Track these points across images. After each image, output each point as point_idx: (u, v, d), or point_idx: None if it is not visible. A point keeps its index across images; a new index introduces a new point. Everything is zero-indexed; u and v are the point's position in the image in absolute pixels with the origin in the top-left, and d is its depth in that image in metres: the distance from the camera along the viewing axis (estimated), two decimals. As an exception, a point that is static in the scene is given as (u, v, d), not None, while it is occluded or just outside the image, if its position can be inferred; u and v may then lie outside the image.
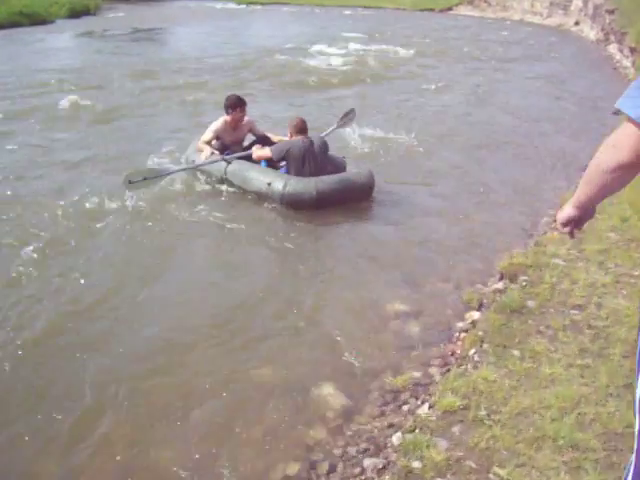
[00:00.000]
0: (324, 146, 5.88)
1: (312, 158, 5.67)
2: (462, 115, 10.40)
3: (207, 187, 6.19)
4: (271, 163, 5.90)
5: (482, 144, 8.55)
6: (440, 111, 10.63)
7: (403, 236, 5.43)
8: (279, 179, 5.56)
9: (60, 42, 23.85)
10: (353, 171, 5.97)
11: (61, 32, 27.86)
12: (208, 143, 6.30)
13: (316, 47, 19.50)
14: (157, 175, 5.88)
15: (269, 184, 5.55)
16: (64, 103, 10.31)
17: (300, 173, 5.63)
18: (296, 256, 5.00)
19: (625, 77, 14.66)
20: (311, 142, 5.74)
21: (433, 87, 12.95)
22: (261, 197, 5.72)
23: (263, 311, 4.06)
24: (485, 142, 8.67)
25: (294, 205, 5.49)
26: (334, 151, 6.31)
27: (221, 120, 6.37)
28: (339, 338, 3.73)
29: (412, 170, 7.10)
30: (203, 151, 6.21)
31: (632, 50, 15.07)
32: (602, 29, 22.75)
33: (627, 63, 15.98)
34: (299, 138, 5.75)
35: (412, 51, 19.04)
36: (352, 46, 20.65)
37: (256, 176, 5.74)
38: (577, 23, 29.92)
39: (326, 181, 5.53)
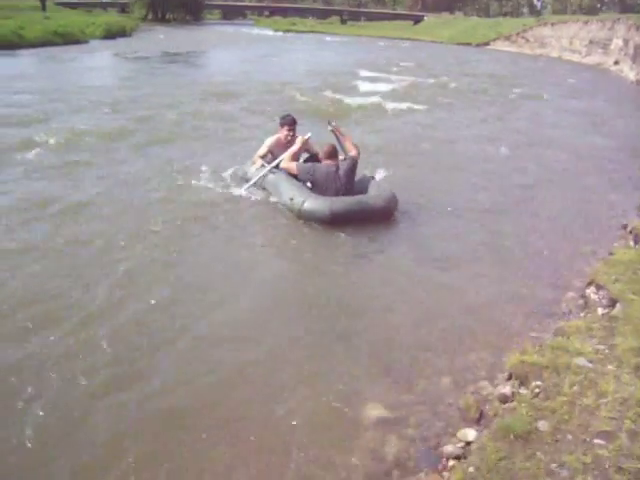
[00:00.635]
0: (350, 170, 6.26)
1: (336, 181, 6.13)
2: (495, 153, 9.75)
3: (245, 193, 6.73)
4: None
5: (513, 186, 7.89)
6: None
7: (403, 298, 4.74)
8: (300, 196, 5.94)
9: (89, 62, 23.71)
10: (373, 193, 6.19)
11: (91, 52, 27.79)
12: (262, 157, 6.87)
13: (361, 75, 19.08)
14: (257, 178, 6.65)
15: (291, 199, 5.99)
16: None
17: (323, 193, 6.04)
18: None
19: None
20: (337, 167, 6.19)
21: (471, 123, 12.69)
22: (289, 209, 6.11)
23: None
24: (516, 185, 7.97)
25: (311, 220, 5.88)
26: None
27: (274, 136, 6.93)
28: (298, 452, 2.94)
29: (443, 205, 7.00)
30: (256, 163, 6.87)
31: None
32: (643, 69, 21.82)
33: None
34: (327, 163, 6.24)
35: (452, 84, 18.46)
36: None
37: (284, 189, 6.18)
38: (617, 62, 28.97)
39: (342, 201, 5.88)
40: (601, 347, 3.47)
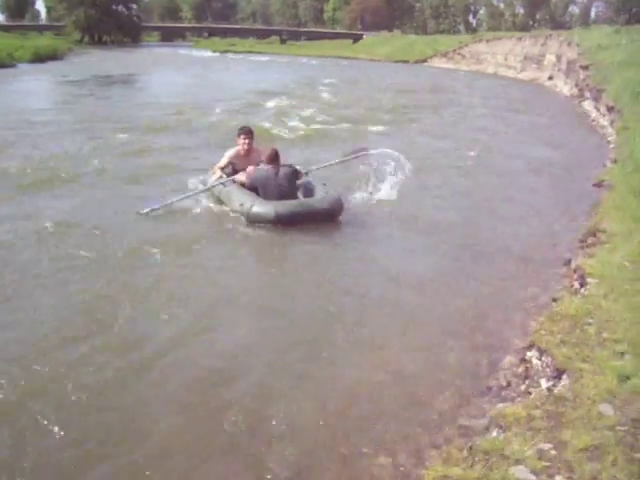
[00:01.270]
0: (290, 174, 6.62)
1: (276, 184, 6.47)
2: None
3: (208, 206, 6.96)
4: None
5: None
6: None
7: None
8: (249, 201, 6.31)
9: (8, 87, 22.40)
10: (317, 197, 6.59)
11: (15, 76, 26.40)
12: (222, 169, 7.12)
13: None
14: (164, 204, 6.71)
15: (241, 205, 6.37)
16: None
17: (267, 197, 6.42)
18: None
19: (603, 137, 13.46)
20: (276, 171, 6.54)
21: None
22: (241, 215, 6.41)
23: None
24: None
25: (258, 223, 6.26)
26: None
27: (234, 148, 7.22)
28: None
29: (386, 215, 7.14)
30: (215, 174, 7.11)
31: (609, 109, 13.93)
32: (576, 84, 21.87)
33: (604, 122, 14.83)
34: (267, 167, 6.59)
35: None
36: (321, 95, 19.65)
37: (235, 197, 6.54)
38: (551, 78, 29.27)
39: (287, 204, 6.28)
40: (546, 447, 2.71)
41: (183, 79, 28.51)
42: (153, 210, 6.57)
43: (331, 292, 5.06)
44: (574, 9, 70.18)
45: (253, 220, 6.29)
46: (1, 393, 3.39)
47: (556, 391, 3.19)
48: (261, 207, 6.25)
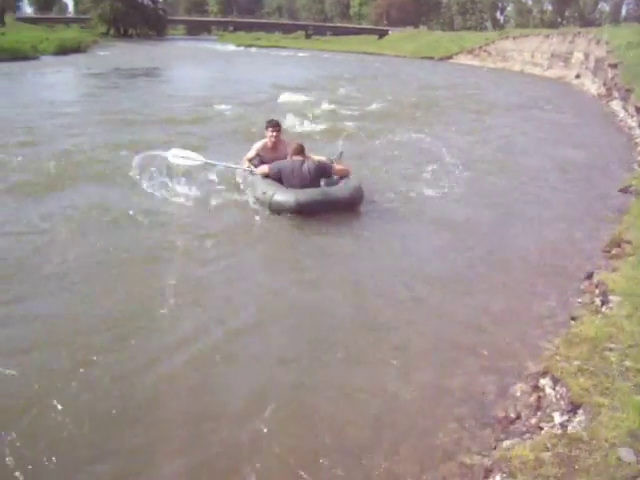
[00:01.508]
0: (314, 167, 6.67)
1: (301, 175, 6.58)
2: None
3: (232, 192, 7.20)
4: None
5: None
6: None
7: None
8: (271, 190, 6.41)
9: (25, 79, 22.44)
10: (338, 185, 6.66)
11: (36, 68, 26.49)
12: (250, 160, 7.25)
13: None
14: (197, 160, 7.21)
15: (264, 193, 6.45)
16: None
17: (291, 186, 6.50)
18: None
19: (631, 139, 12.92)
20: (302, 163, 6.66)
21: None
22: (262, 203, 6.50)
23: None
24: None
25: (280, 211, 6.30)
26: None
27: (262, 141, 7.40)
28: None
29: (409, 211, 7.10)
30: (244, 164, 7.26)
31: (638, 109, 13.37)
32: (604, 84, 21.21)
33: (632, 123, 14.28)
34: (293, 159, 6.75)
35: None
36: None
37: (259, 186, 6.63)
38: (578, 76, 28.51)
39: (308, 192, 6.34)
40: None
41: (204, 73, 28.43)
42: (185, 157, 7.17)
43: (331, 295, 4.86)
44: (604, 6, 68.67)
45: (275, 208, 6.33)
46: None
47: (570, 429, 2.84)
48: (283, 195, 6.31)
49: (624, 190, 7.86)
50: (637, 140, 12.16)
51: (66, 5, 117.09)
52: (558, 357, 3.45)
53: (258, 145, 7.38)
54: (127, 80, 23.46)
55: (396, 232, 6.42)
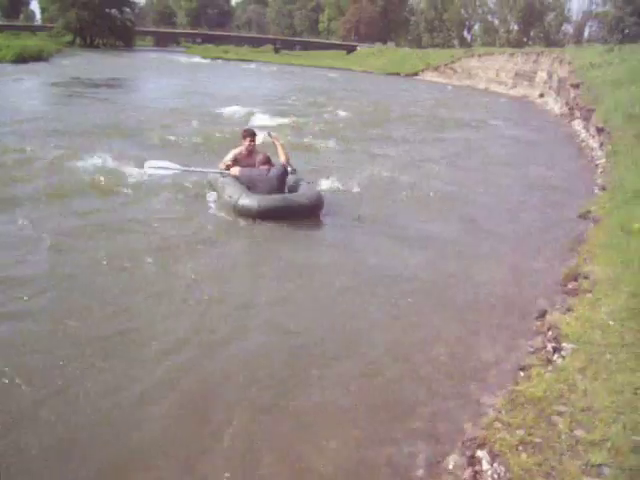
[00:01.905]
0: (280, 175, 7.13)
1: (267, 183, 7.01)
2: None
3: (203, 192, 7.54)
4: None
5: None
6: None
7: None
8: (236, 194, 6.74)
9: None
10: (298, 192, 7.02)
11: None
12: (227, 165, 7.56)
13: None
14: (171, 168, 7.75)
15: (230, 197, 6.79)
16: None
17: (259, 192, 6.84)
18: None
19: (592, 160, 12.68)
20: (268, 171, 7.12)
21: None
22: (228, 206, 6.84)
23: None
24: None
25: (244, 215, 6.64)
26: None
27: (239, 148, 7.80)
28: None
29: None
30: (221, 165, 7.62)
31: (599, 130, 13.18)
32: (567, 103, 21.19)
33: (593, 143, 14.09)
34: (260, 168, 7.20)
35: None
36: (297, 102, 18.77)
37: (228, 189, 6.96)
38: (542, 95, 28.64)
39: (270, 199, 6.65)
40: None
41: (163, 85, 27.76)
42: (160, 167, 7.80)
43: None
44: (568, 28, 69.86)
45: (239, 212, 6.68)
46: None
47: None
48: (247, 200, 6.63)
49: (583, 216, 7.50)
50: (598, 162, 11.90)
51: (33, 13, 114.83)
52: (499, 424, 2.95)
53: (235, 151, 7.78)
54: (84, 89, 22.71)
55: (353, 238, 6.65)
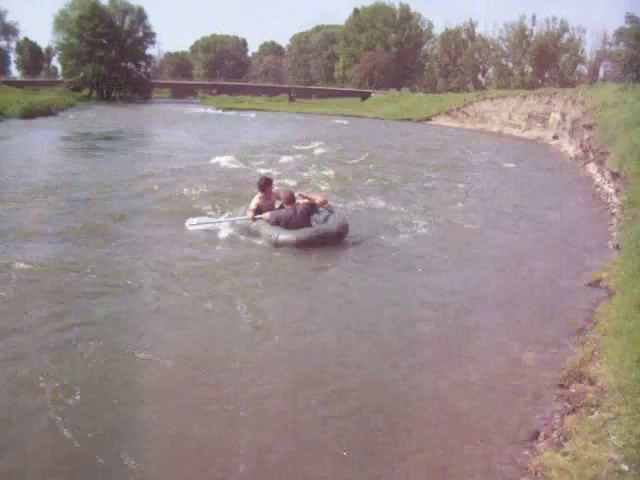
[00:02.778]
0: (305, 211, 8.31)
1: (295, 219, 8.19)
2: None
3: (241, 238, 8.50)
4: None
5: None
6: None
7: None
8: (276, 232, 8.03)
9: None
10: (326, 224, 8.17)
11: None
12: (253, 210, 8.59)
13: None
14: (210, 222, 9.03)
15: (270, 235, 8.07)
16: None
17: (289, 228, 8.06)
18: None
19: (607, 208, 11.46)
20: (295, 210, 8.27)
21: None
22: (269, 243, 8.05)
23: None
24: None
25: (283, 246, 7.90)
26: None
27: (257, 195, 8.78)
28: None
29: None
30: (250, 214, 8.58)
31: (614, 175, 11.99)
32: (581, 145, 20.04)
33: (609, 189, 12.87)
34: (287, 207, 8.37)
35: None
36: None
37: (265, 231, 8.21)
38: (556, 137, 27.54)
39: (304, 232, 7.98)
40: None
41: (170, 137, 27.22)
42: (200, 223, 8.83)
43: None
44: (582, 68, 69.07)
45: (280, 245, 7.91)
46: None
47: None
48: (286, 236, 7.94)
49: (594, 285, 6.27)
50: (613, 210, 10.68)
51: (55, 69, 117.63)
52: None
53: (256, 199, 8.74)
54: (86, 143, 22.34)
55: (369, 265, 7.58)
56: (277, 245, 7.90)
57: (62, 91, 69.27)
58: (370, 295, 6.48)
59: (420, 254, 8.06)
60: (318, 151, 20.36)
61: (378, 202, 11.44)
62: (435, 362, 4.81)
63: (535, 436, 3.54)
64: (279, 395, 4.27)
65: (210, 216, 9.38)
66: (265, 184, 8.79)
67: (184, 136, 26.89)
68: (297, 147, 21.56)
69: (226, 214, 9.41)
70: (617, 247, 7.50)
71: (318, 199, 8.63)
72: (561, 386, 4.17)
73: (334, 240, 8.04)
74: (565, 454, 3.04)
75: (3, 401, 4.02)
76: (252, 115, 50.48)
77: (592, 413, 3.46)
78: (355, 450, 3.57)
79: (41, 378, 4.23)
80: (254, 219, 8.44)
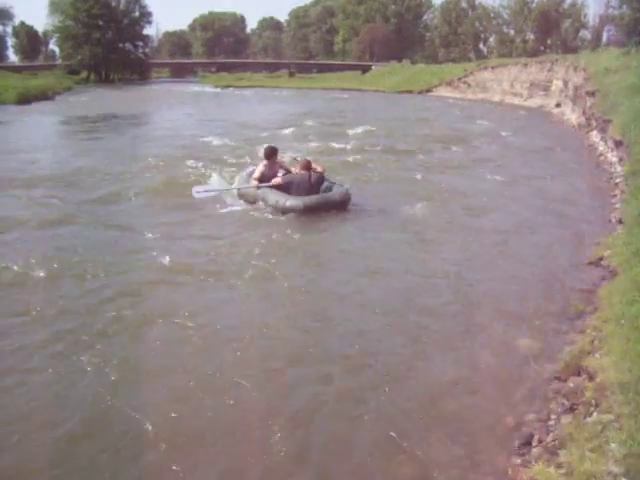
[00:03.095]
0: (318, 179, 8.71)
1: (307, 186, 8.54)
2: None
3: (246, 205, 8.83)
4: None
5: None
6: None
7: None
8: (283, 198, 8.30)
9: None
10: (332, 192, 8.65)
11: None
12: (257, 178, 8.94)
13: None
14: (216, 190, 9.36)
15: (277, 201, 8.30)
16: None
17: (299, 193, 8.41)
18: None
19: (611, 178, 11.04)
20: (310, 176, 8.62)
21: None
22: (275, 209, 8.31)
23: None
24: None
25: (290, 213, 8.18)
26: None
27: (262, 163, 9.20)
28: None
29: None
30: (254, 182, 8.93)
31: (617, 143, 11.54)
32: (584, 113, 19.49)
33: (612, 157, 12.44)
34: (302, 172, 8.72)
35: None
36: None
37: (271, 197, 8.45)
38: (558, 105, 26.92)
39: (311, 199, 8.29)
40: None
41: (161, 118, 26.80)
42: (207, 191, 9.16)
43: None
44: (586, 33, 67.52)
45: (287, 211, 8.15)
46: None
47: None
48: (293, 202, 8.19)
49: (595, 263, 5.91)
50: (617, 180, 10.27)
51: (54, 52, 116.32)
52: None
53: (260, 168, 9.09)
54: (80, 127, 22.06)
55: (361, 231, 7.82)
56: (284, 211, 8.20)
57: (60, 74, 68.56)
58: (371, 261, 6.63)
59: (417, 224, 8.21)
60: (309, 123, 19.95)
61: (374, 175, 11.49)
62: (422, 351, 4.49)
63: (529, 440, 3.22)
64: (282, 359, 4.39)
65: (214, 185, 9.67)
66: (270, 152, 9.19)
67: (176, 117, 26.44)
68: (288, 127, 21.08)
69: (232, 182, 9.77)
70: (620, 221, 7.12)
71: (319, 168, 8.91)
72: (558, 379, 3.85)
73: (338, 207, 8.43)
74: (559, 466, 2.72)
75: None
76: (247, 92, 49.75)
77: (590, 414, 3.14)
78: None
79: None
80: (258, 187, 8.77)
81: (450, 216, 8.69)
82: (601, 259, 5.88)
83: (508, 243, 7.33)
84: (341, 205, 8.52)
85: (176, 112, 28.98)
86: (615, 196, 9.25)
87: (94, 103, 36.36)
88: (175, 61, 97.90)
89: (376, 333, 4.81)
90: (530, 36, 69.24)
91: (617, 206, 8.39)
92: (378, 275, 6.19)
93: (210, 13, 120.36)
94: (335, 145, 15.19)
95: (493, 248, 7.11)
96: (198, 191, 9.04)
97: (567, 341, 4.37)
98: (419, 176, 11.39)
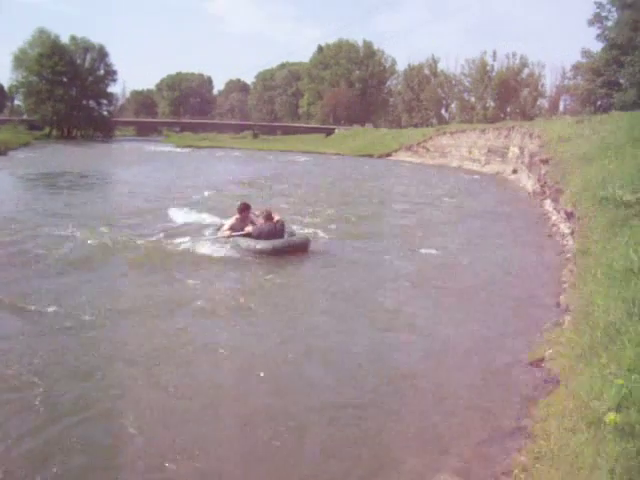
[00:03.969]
0: (281, 226, 10.06)
1: (274, 233, 9.87)
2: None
3: (222, 250, 9.83)
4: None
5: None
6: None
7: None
8: (254, 242, 9.74)
9: None
10: (296, 237, 10.21)
11: None
12: (230, 229, 10.25)
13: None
14: (190, 240, 10.29)
15: (249, 245, 9.72)
16: None
17: (268, 239, 9.74)
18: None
19: (563, 251, 10.31)
20: (275, 225, 9.99)
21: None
22: (247, 253, 9.67)
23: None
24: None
25: (263, 254, 9.56)
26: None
27: (234, 217, 10.44)
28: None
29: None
30: (226, 230, 10.29)
31: (568, 215, 10.89)
32: (538, 180, 19.12)
33: (565, 229, 11.78)
34: (267, 223, 10.04)
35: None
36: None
37: (243, 242, 9.87)
38: (515, 171, 26.77)
39: (278, 242, 9.70)
40: None
41: (106, 177, 25.79)
42: (182, 242, 10.12)
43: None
44: (543, 102, 69.59)
45: (260, 252, 9.57)
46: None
47: None
48: (263, 244, 9.63)
49: (535, 364, 4.95)
50: (568, 255, 9.51)
51: (20, 107, 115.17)
52: None
53: (231, 221, 10.36)
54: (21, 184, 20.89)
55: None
56: (257, 252, 9.60)
57: (21, 130, 67.46)
58: (334, 295, 7.78)
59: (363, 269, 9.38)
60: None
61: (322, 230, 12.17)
62: None
63: None
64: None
65: (189, 235, 10.70)
66: (244, 208, 10.42)
67: (121, 176, 25.50)
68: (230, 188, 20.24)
69: (206, 230, 10.94)
70: (566, 309, 6.23)
71: (277, 217, 10.20)
72: None
73: (301, 250, 9.87)
74: None
75: None
76: (204, 152, 49.29)
77: None
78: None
79: None
80: (231, 236, 10.07)
81: (388, 271, 9.35)
82: (541, 360, 4.93)
83: (440, 331, 6.37)
84: (303, 248, 9.96)
85: (126, 172, 28.03)
86: (566, 275, 8.45)
87: (44, 160, 35.27)
88: (139, 120, 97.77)
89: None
90: (490, 103, 70.99)
91: (566, 286, 7.56)
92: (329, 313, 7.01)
93: (177, 74, 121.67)
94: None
95: (425, 338, 6.13)
96: (175, 241, 10.15)
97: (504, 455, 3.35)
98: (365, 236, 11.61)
